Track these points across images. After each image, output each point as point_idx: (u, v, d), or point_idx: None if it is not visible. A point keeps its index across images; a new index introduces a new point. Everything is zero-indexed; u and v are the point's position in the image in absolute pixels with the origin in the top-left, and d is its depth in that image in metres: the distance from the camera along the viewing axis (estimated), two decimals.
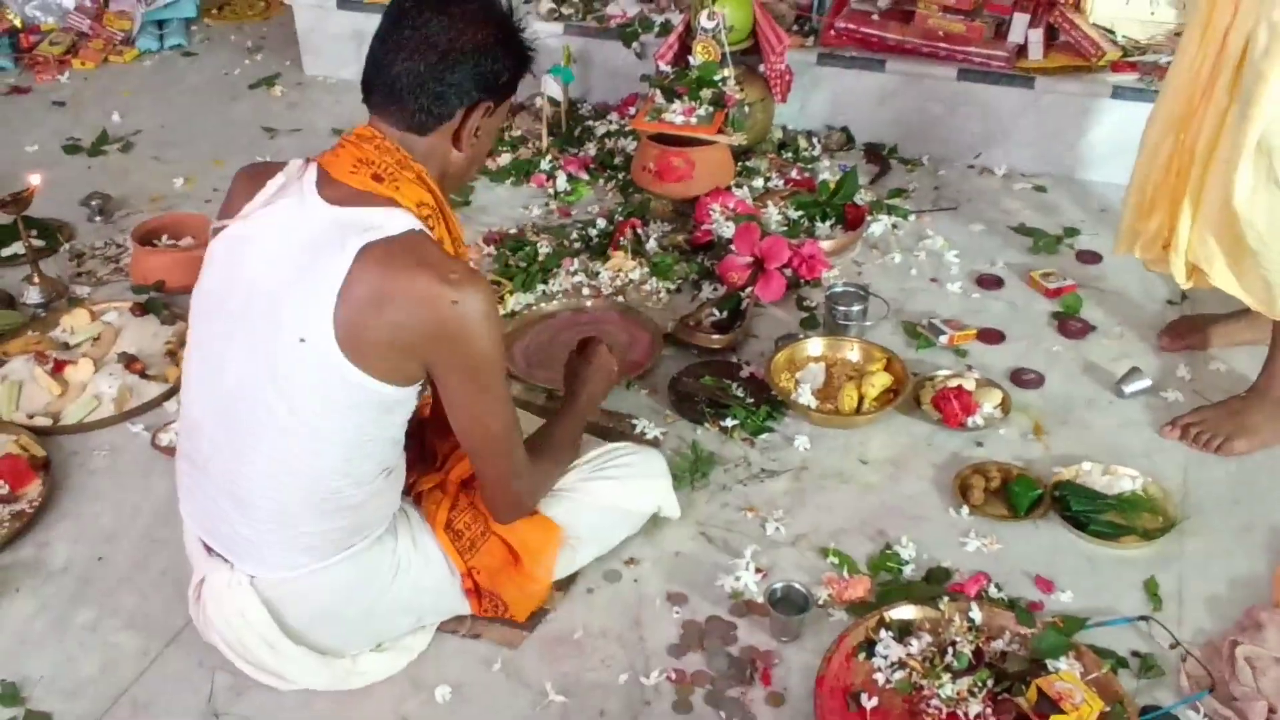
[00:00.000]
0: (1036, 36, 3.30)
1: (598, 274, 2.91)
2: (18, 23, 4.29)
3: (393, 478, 1.80)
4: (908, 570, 2.09)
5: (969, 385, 2.45)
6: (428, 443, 1.98)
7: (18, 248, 3.00)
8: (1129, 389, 2.50)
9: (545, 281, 2.88)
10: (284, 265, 1.61)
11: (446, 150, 1.72)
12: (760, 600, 2.01)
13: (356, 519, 1.77)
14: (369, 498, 1.76)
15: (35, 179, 2.88)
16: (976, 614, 1.93)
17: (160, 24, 4.43)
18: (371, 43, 1.68)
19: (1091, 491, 2.22)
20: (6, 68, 4.19)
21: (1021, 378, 2.55)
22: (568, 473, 2.02)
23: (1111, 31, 3.36)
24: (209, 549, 1.81)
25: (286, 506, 1.71)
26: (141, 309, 2.77)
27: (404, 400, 1.69)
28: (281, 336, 1.61)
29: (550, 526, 1.96)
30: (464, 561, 1.90)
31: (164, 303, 2.79)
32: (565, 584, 2.05)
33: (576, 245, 3.04)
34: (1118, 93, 3.21)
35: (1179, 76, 2.27)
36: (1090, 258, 2.98)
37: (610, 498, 2.06)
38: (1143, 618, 1.98)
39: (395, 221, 1.61)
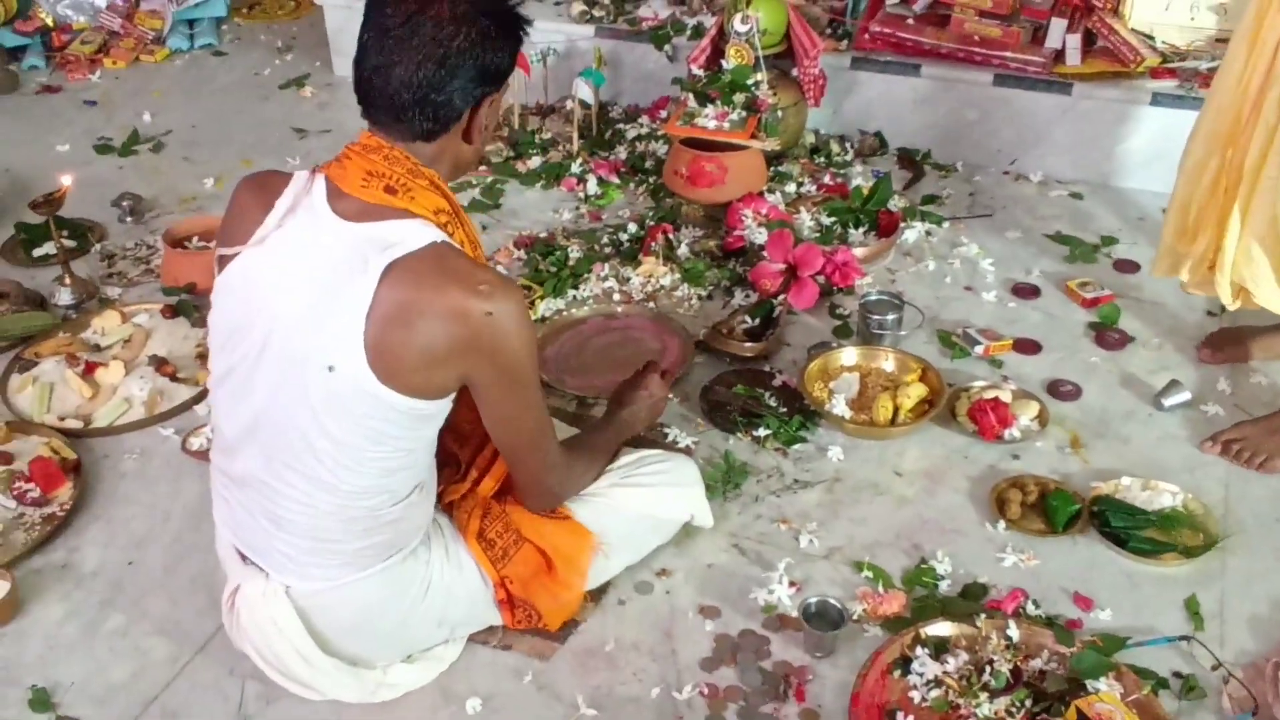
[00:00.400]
0: (1074, 42, 3.26)
1: (629, 279, 2.89)
2: (50, 22, 4.31)
3: (426, 491, 1.80)
4: (943, 586, 2.06)
5: (1005, 397, 2.42)
6: (446, 449, 1.95)
7: (49, 248, 3.01)
8: (1168, 402, 2.46)
9: (576, 287, 2.86)
10: (305, 291, 1.58)
11: (458, 147, 1.67)
12: (794, 615, 1.99)
13: (393, 534, 1.76)
14: (404, 513, 1.75)
15: (67, 179, 2.88)
16: (1014, 632, 1.90)
17: (191, 23, 4.45)
18: (356, 55, 1.60)
19: (1131, 507, 2.19)
20: (39, 66, 4.21)
21: (1059, 389, 2.52)
22: (599, 479, 2.01)
23: (1151, 37, 3.31)
24: (243, 558, 1.80)
25: (323, 525, 1.70)
26: (172, 311, 2.77)
27: (438, 413, 1.69)
28: (309, 366, 1.58)
29: (584, 533, 1.95)
30: (496, 571, 1.89)
31: (195, 305, 2.79)
32: (597, 595, 2.03)
33: (607, 250, 3.02)
34: (1157, 99, 3.17)
35: (1225, 93, 2.23)
36: (1128, 267, 2.94)
37: (642, 504, 2.04)
38: (1184, 637, 1.95)
39: (415, 235, 1.58)
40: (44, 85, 4.10)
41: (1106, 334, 2.69)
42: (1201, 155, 2.30)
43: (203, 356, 2.64)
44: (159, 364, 2.59)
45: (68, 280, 2.85)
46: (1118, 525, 2.15)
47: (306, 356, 1.58)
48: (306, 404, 1.60)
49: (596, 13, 3.77)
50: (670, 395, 2.45)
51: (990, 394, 2.43)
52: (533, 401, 1.72)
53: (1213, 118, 2.26)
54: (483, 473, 1.94)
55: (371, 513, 1.70)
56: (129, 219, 3.25)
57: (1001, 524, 2.17)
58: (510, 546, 1.89)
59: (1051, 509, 2.18)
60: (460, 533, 1.89)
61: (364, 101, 1.63)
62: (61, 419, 2.47)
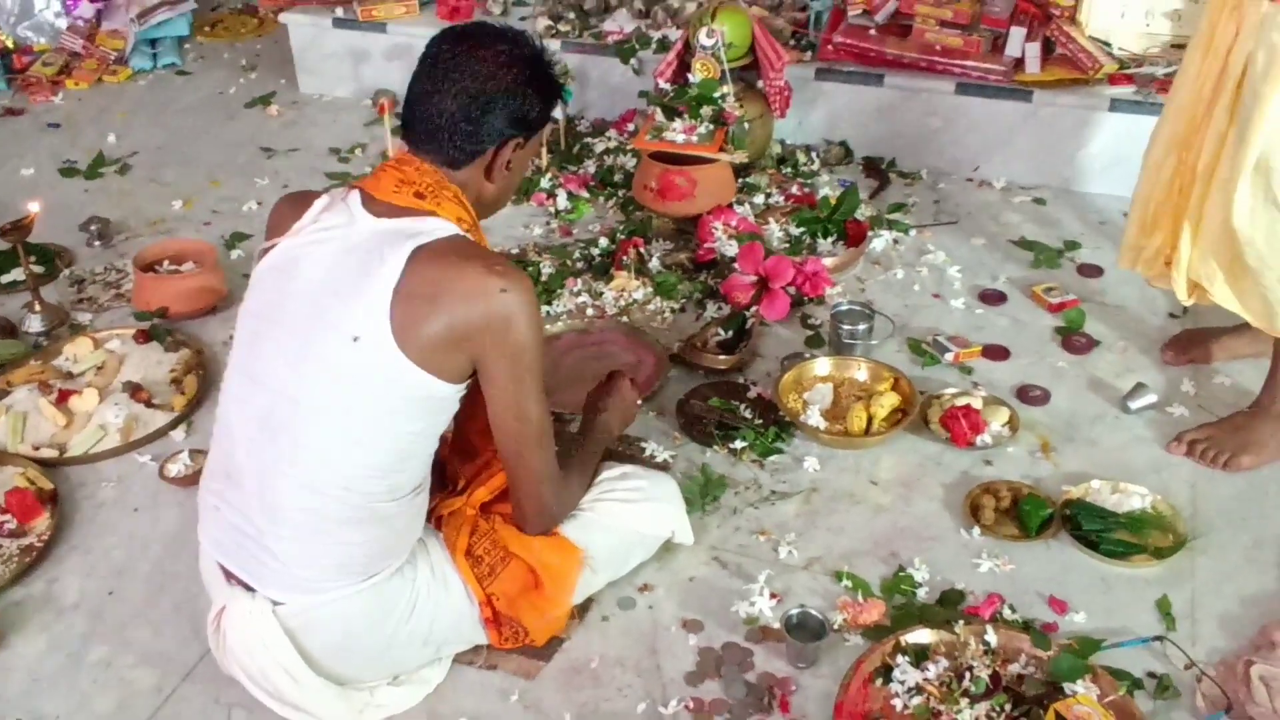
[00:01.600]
0: (1034, 50, 3.31)
1: (601, 294, 2.91)
2: (10, 44, 4.29)
3: (420, 499, 1.84)
4: (921, 593, 2.09)
5: (976, 404, 2.45)
6: (449, 467, 2.00)
7: (18, 274, 2.99)
8: (1135, 405, 2.51)
9: (549, 302, 2.88)
10: (335, 272, 1.69)
11: (480, 183, 1.81)
12: (776, 626, 2.01)
13: (385, 535, 1.79)
14: (399, 513, 1.78)
15: (35, 206, 2.86)
16: (992, 637, 1.94)
17: (153, 43, 4.44)
18: (410, 83, 1.78)
19: (1101, 510, 2.23)
20: (0, 89, 4.18)
21: (1028, 395, 2.56)
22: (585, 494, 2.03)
23: (1108, 44, 3.37)
24: (228, 578, 1.81)
25: (321, 514, 1.72)
26: (145, 336, 2.76)
27: (450, 400, 1.75)
28: (335, 337, 1.67)
29: (571, 549, 1.97)
30: (483, 589, 1.91)
31: (167, 329, 2.79)
32: (580, 611, 2.05)
33: (579, 265, 3.04)
34: (1115, 105, 3.23)
35: (1181, 96, 2.28)
36: (1092, 271, 2.99)
37: (624, 520, 2.06)
38: (1157, 638, 1.99)
39: (440, 228, 1.72)
40: (6, 108, 4.08)
41: (1073, 338, 2.73)
42: (1160, 155, 2.35)
43: (177, 381, 2.64)
44: (133, 390, 2.58)
45: (38, 307, 2.84)
46: (1089, 528, 2.19)
47: (332, 328, 1.67)
48: (328, 375, 1.68)
49: (562, 28, 3.79)
50: (643, 406, 2.49)
51: (962, 401, 2.47)
52: (538, 394, 1.79)
53: (1171, 119, 2.32)
54: (475, 484, 1.96)
55: (371, 502, 1.74)
56: (98, 243, 3.24)
57: (976, 530, 2.21)
58: (498, 563, 1.92)
59: (1024, 514, 2.22)
60: (448, 550, 1.90)
61: (405, 122, 1.79)
62: (36, 448, 2.46)
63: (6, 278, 3.06)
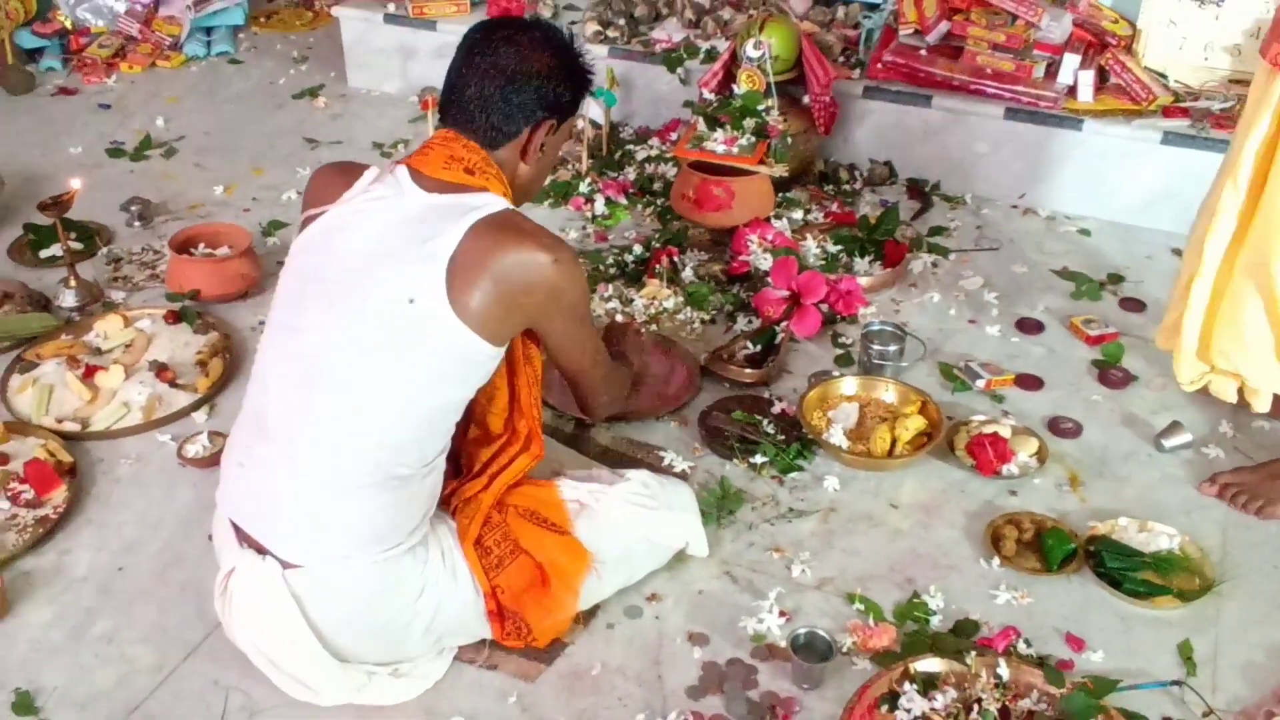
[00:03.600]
0: (1087, 78, 3.26)
1: (632, 301, 2.89)
2: (68, 24, 4.34)
3: (436, 475, 1.87)
4: (935, 621, 2.04)
5: (1005, 432, 2.40)
6: (465, 453, 2.00)
7: (56, 250, 3.01)
8: (1169, 443, 2.45)
9: None
10: (389, 239, 1.76)
11: (515, 163, 1.89)
12: (783, 645, 1.97)
13: (403, 505, 1.81)
14: (419, 481, 1.82)
15: (76, 183, 2.89)
16: (1005, 671, 1.88)
17: (208, 30, 4.48)
18: (448, 70, 1.87)
19: (1127, 548, 2.17)
20: (55, 69, 4.24)
21: (1059, 426, 2.50)
22: (600, 497, 2.04)
23: (1164, 76, 3.31)
24: (241, 540, 1.82)
25: (347, 474, 1.76)
26: (175, 317, 2.77)
27: (488, 366, 1.82)
28: (389, 298, 1.73)
29: (581, 551, 1.97)
30: (489, 580, 1.91)
31: (197, 312, 2.80)
32: (586, 618, 2.02)
33: (612, 271, 3.02)
34: (1168, 138, 3.17)
35: (1223, 178, 2.22)
36: (1134, 306, 2.93)
37: (639, 527, 2.05)
38: (1176, 682, 1.93)
39: (494, 202, 1.79)
40: (60, 87, 4.13)
41: (1109, 372, 2.68)
42: (1204, 229, 2.29)
43: (203, 363, 2.65)
44: (159, 369, 2.59)
45: (73, 282, 2.86)
46: (1113, 566, 2.13)
47: (388, 291, 1.73)
48: (379, 335, 1.74)
49: (611, 34, 3.78)
50: (671, 412, 2.48)
51: (990, 429, 2.42)
52: (591, 331, 2.01)
53: (1216, 194, 2.26)
54: (493, 477, 1.96)
55: (396, 468, 1.77)
56: (137, 223, 3.26)
57: (996, 560, 2.16)
58: (506, 556, 1.92)
59: (1047, 547, 2.16)
60: (459, 538, 1.90)
61: (443, 106, 1.88)
62: (59, 421, 2.47)
63: (46, 253, 3.08)
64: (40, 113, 3.97)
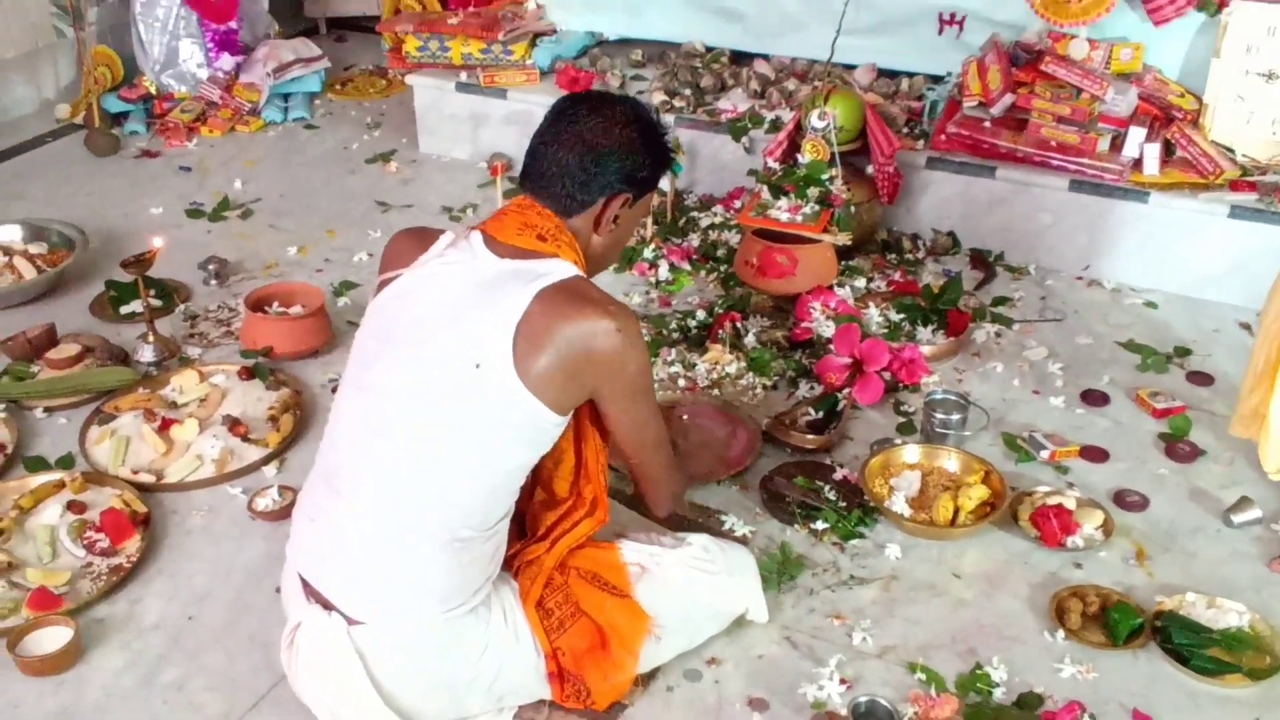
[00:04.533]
0: (1153, 151, 3.26)
1: (694, 366, 2.91)
2: (153, 90, 4.50)
3: (500, 537, 1.89)
4: (998, 693, 2.02)
5: (1069, 504, 2.39)
6: (529, 516, 2.02)
7: (137, 306, 3.11)
8: (1238, 519, 2.41)
9: None
10: (460, 303, 1.79)
11: (589, 233, 1.91)
12: (843, 713, 1.96)
13: (466, 566, 1.83)
14: (481, 544, 1.83)
15: (158, 241, 2.99)
16: None
17: (286, 97, 4.62)
18: (533, 136, 1.90)
19: (1195, 624, 2.14)
20: (139, 132, 4.39)
21: (1125, 499, 2.48)
22: (661, 561, 2.04)
23: (1231, 150, 3.30)
24: (308, 595, 1.85)
25: (414, 533, 1.79)
26: (249, 373, 2.84)
27: (552, 433, 1.84)
28: (456, 362, 1.76)
29: (641, 614, 1.98)
30: (550, 642, 1.92)
31: (270, 368, 2.86)
32: (646, 680, 2.03)
33: (675, 335, 3.05)
34: (1235, 212, 3.15)
35: None
36: (1201, 379, 2.90)
37: (700, 592, 2.06)
38: None
39: (563, 269, 1.82)
40: (143, 150, 4.28)
41: (1177, 446, 2.65)
42: (1277, 310, 2.27)
43: (274, 419, 2.70)
44: (232, 424, 2.65)
45: (151, 338, 2.95)
46: (1181, 642, 2.10)
47: (456, 354, 1.76)
48: (446, 399, 1.77)
49: (677, 103, 3.85)
50: (731, 477, 2.49)
51: (1054, 500, 2.40)
52: (654, 409, 1.97)
53: None
54: (556, 541, 1.98)
55: (461, 529, 1.80)
56: (214, 282, 3.35)
57: (1061, 633, 2.14)
58: (568, 619, 1.93)
59: (1113, 621, 2.14)
60: (521, 599, 1.92)
61: (525, 171, 1.91)
62: (135, 472, 2.53)
63: (126, 309, 3.18)
64: (124, 174, 4.11)
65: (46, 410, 2.77)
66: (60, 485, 2.45)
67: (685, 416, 2.67)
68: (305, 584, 1.87)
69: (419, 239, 1.92)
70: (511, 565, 1.97)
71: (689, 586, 2.04)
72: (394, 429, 1.79)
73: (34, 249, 3.39)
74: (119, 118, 4.42)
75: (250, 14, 4.70)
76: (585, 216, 1.88)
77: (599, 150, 1.85)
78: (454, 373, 1.76)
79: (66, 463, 2.59)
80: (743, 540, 2.34)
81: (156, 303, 3.13)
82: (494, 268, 1.81)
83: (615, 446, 2.01)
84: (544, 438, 1.84)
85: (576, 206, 1.87)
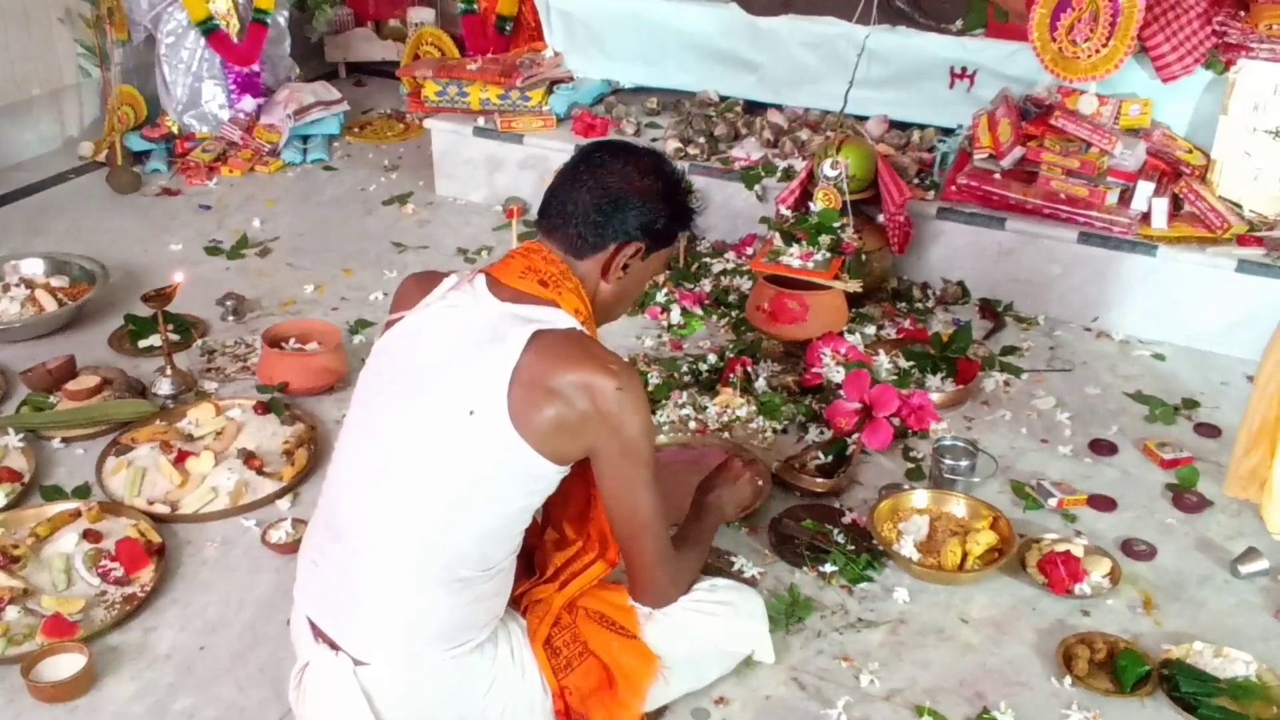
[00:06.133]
0: (1161, 205, 3.30)
1: (705, 409, 2.94)
2: (175, 129, 4.57)
3: (506, 576, 1.88)
4: None
5: (1077, 551, 2.40)
6: (538, 554, 2.03)
7: (155, 340, 3.15)
8: (1245, 570, 2.42)
9: (653, 412, 2.91)
10: (457, 347, 1.79)
11: (596, 279, 1.89)
12: None
13: (471, 605, 1.83)
14: (483, 584, 1.83)
15: (179, 276, 3.04)
16: None
17: (305, 139, 4.69)
18: (555, 175, 1.91)
19: (1202, 673, 2.14)
20: (160, 170, 4.45)
21: (1132, 548, 2.49)
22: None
23: (1238, 205, 3.34)
24: (316, 635, 1.86)
25: (416, 574, 1.79)
26: (264, 408, 2.87)
27: (552, 481, 1.82)
28: (452, 408, 1.75)
29: (648, 655, 1.98)
30: (557, 680, 1.92)
31: (286, 404, 2.89)
32: (654, 717, 2.03)
33: (686, 378, 3.08)
34: (1243, 266, 3.18)
35: None
36: (1209, 431, 2.92)
37: (706, 633, 2.06)
38: None
39: (560, 319, 1.81)
40: (164, 188, 4.34)
41: (1184, 496, 2.66)
42: (1271, 369, 2.30)
43: (289, 453, 2.73)
44: (247, 457, 2.68)
45: (169, 371, 2.98)
46: (1188, 691, 2.10)
47: (450, 399, 1.75)
48: (441, 443, 1.76)
49: (691, 150, 3.90)
50: (741, 521, 2.49)
51: (1062, 547, 2.41)
52: (649, 480, 1.85)
53: None
54: (565, 582, 1.98)
55: (463, 570, 1.79)
56: (231, 317, 3.40)
57: (1068, 680, 2.14)
58: (575, 658, 1.94)
59: (1120, 669, 2.14)
60: (528, 637, 1.93)
61: (541, 210, 1.91)
62: (151, 503, 2.56)
63: (144, 342, 3.22)
64: (144, 211, 4.16)
65: (64, 440, 2.81)
66: (77, 514, 2.48)
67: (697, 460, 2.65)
68: (313, 625, 1.88)
69: (427, 281, 1.92)
70: (520, 604, 1.98)
71: (696, 627, 2.04)
72: (392, 472, 1.79)
73: (56, 282, 3.44)
74: (141, 156, 4.49)
75: (272, 57, 4.78)
76: (595, 261, 1.87)
77: (616, 195, 1.84)
78: (448, 419, 1.75)
79: (83, 492, 2.61)
80: (751, 581, 2.35)
81: (175, 337, 3.17)
82: (493, 311, 1.81)
83: (609, 521, 1.91)
84: (543, 485, 1.82)
85: (587, 249, 1.86)
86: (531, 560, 2.04)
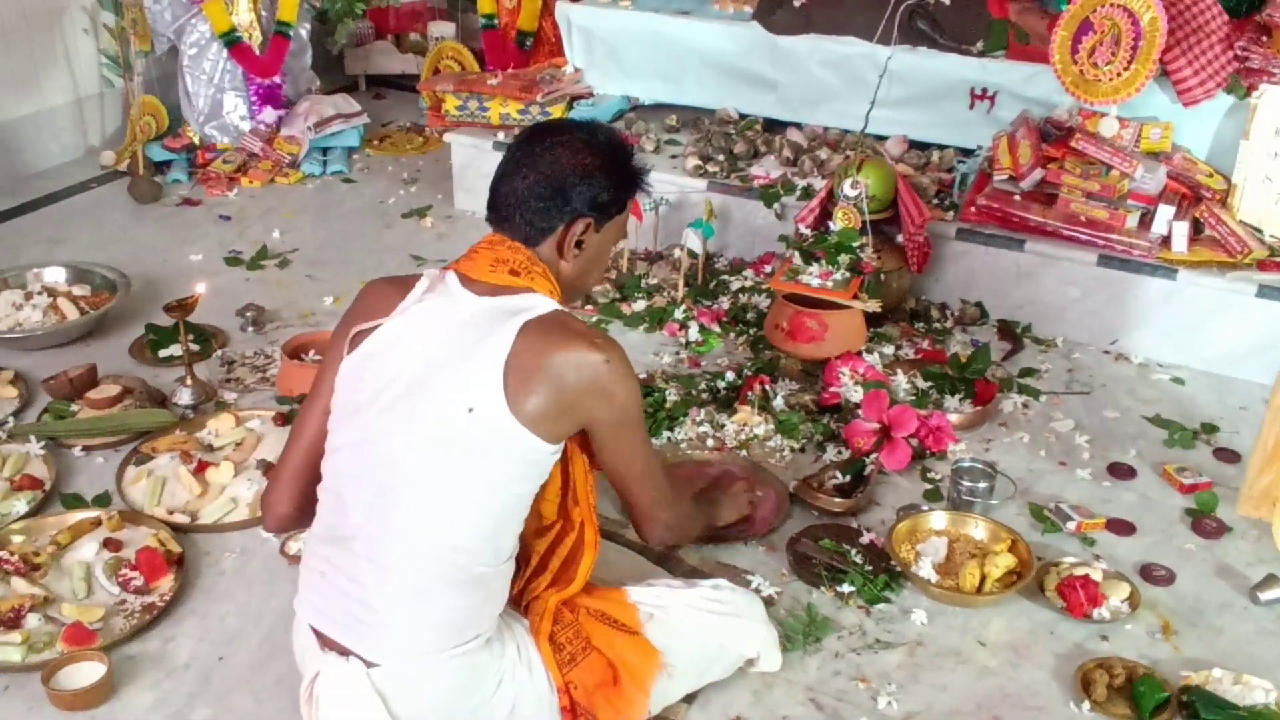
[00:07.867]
0: (1181, 229, 3.30)
1: (723, 426, 2.94)
2: (196, 140, 4.61)
3: (510, 565, 1.91)
4: None
5: (1096, 575, 2.39)
6: (524, 543, 1.99)
7: (175, 350, 3.16)
8: (1265, 596, 2.41)
9: (671, 429, 2.92)
10: (445, 348, 1.81)
11: (556, 260, 1.93)
12: None
13: (481, 599, 1.85)
14: (495, 577, 1.86)
15: (201, 287, 3.05)
16: None
17: (325, 151, 4.72)
18: (497, 168, 1.93)
19: (1222, 700, 2.13)
20: (181, 180, 4.48)
21: (1151, 573, 2.48)
22: (671, 600, 2.07)
23: (1259, 230, 3.34)
24: (323, 645, 1.86)
25: (429, 574, 1.80)
26: (284, 419, 2.88)
27: (547, 462, 1.86)
28: (450, 408, 1.77)
29: (651, 651, 2.00)
30: (562, 675, 1.94)
31: None
32: None
33: (704, 396, 3.08)
34: (1263, 291, 3.18)
35: None
36: (1228, 456, 2.91)
37: (710, 631, 2.08)
38: None
39: (541, 303, 1.84)
40: (184, 198, 4.36)
41: (1204, 521, 2.65)
42: None
43: None
44: (266, 468, 2.68)
45: (189, 382, 2.99)
46: (1207, 718, 2.09)
47: (448, 401, 1.78)
48: (443, 443, 1.78)
49: (711, 168, 3.91)
50: (755, 540, 2.50)
51: (1080, 571, 2.41)
52: (643, 439, 1.97)
53: None
54: (555, 572, 1.99)
55: (474, 565, 1.82)
56: (251, 328, 3.41)
57: (1086, 705, 2.13)
58: (579, 653, 1.96)
59: (1139, 694, 2.13)
60: (532, 634, 1.95)
61: (488, 206, 1.93)
62: (170, 512, 2.57)
63: (165, 352, 3.24)
64: (165, 221, 4.19)
65: (85, 449, 2.82)
66: (97, 522, 2.49)
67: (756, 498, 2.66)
68: (320, 635, 1.88)
69: (398, 286, 1.91)
70: (519, 603, 1.99)
71: (699, 626, 2.06)
72: (400, 481, 1.80)
73: (77, 291, 3.46)
74: (162, 166, 4.53)
75: (293, 69, 4.81)
76: (549, 244, 1.90)
77: (552, 179, 1.86)
78: (449, 421, 1.78)
79: (103, 501, 2.63)
80: (769, 601, 2.35)
81: (194, 347, 3.19)
82: (473, 307, 1.83)
83: (608, 478, 2.02)
84: (541, 468, 1.86)
85: (537, 234, 1.89)
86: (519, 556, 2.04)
